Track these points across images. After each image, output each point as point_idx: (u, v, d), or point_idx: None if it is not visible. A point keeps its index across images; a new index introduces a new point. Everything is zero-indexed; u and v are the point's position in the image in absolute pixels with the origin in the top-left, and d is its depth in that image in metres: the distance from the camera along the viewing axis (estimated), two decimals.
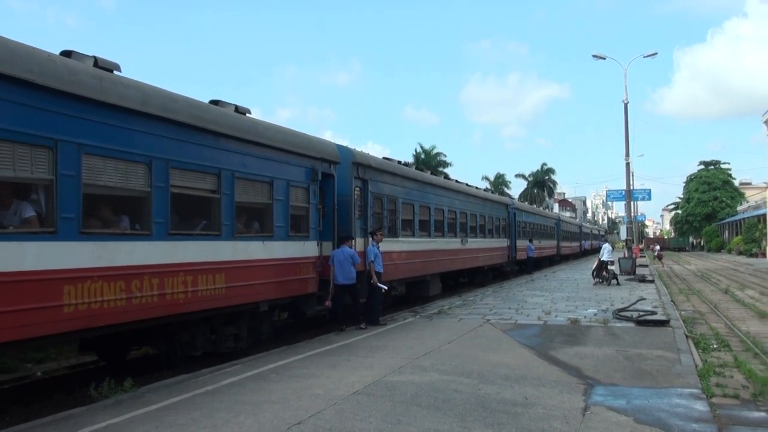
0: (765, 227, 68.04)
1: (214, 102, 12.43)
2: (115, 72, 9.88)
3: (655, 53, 43.34)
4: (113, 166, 9.53)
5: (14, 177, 8.21)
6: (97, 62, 9.60)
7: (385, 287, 16.62)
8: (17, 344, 8.55)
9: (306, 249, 14.54)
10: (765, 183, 79.82)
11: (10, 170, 8.07)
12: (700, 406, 8.29)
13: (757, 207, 79.02)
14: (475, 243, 29.36)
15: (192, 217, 11.53)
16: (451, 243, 25.89)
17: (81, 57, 9.48)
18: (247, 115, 13.06)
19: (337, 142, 16.94)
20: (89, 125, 9.05)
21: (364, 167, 17.51)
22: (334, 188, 15.76)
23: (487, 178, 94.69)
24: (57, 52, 9.25)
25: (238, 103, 12.91)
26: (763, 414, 8.23)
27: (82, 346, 12.07)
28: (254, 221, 13.10)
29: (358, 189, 17.11)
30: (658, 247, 72.65)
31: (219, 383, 9.51)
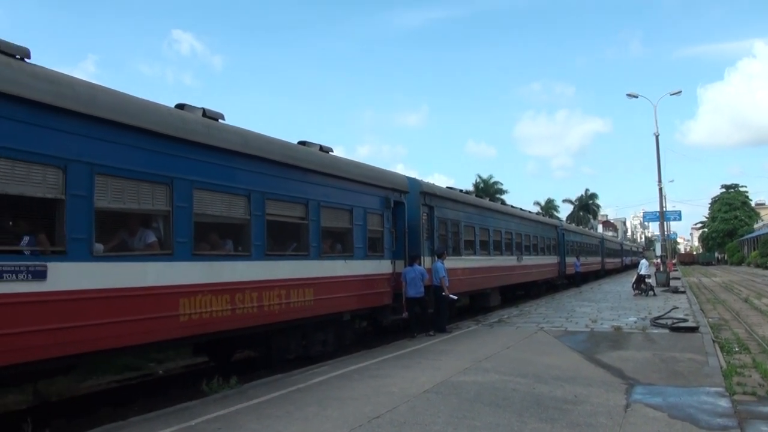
0: None
1: (302, 143, 12.49)
2: (220, 120, 10.02)
3: (680, 91, 41.98)
4: (219, 199, 9.67)
5: (139, 209, 8.43)
6: (205, 112, 9.78)
7: (455, 297, 16.45)
8: (143, 347, 8.72)
9: (381, 267, 14.43)
10: None
11: (135, 203, 8.31)
12: (724, 403, 8.06)
13: None
14: (529, 260, 28.69)
15: (285, 240, 11.56)
16: (508, 260, 25.36)
17: (192, 108, 9.68)
18: (330, 153, 13.06)
19: (407, 174, 16.88)
20: (199, 165, 9.20)
21: (430, 195, 17.33)
22: (405, 214, 15.61)
23: (538, 203, 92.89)
24: (173, 104, 9.50)
25: (323, 143, 12.95)
26: None
27: (195, 349, 12.26)
28: (337, 243, 13.07)
29: (425, 214, 16.93)
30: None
31: (309, 382, 9.49)
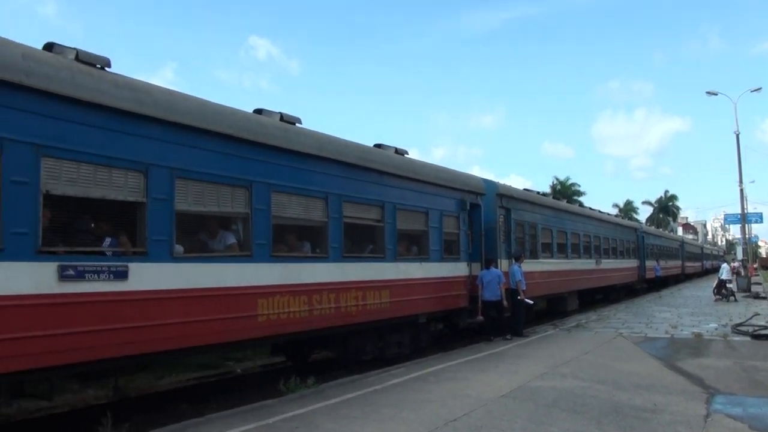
0: None
1: (378, 145, 12.33)
2: (297, 124, 9.95)
3: (760, 88, 38.97)
4: (296, 201, 9.58)
5: (219, 211, 8.41)
6: (282, 117, 9.73)
7: (531, 302, 15.87)
8: (221, 346, 8.70)
9: (457, 269, 14.05)
10: None
11: (215, 206, 8.29)
12: None
13: None
14: (607, 263, 27.40)
15: (361, 242, 11.43)
16: (586, 263, 24.26)
17: (270, 113, 9.64)
18: (405, 155, 12.84)
19: (483, 176, 16.49)
20: (277, 168, 9.13)
21: (507, 197, 16.81)
22: (481, 216, 15.16)
23: (617, 205, 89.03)
24: (251, 109, 9.48)
25: (398, 146, 12.74)
26: None
27: (273, 349, 12.20)
28: (413, 245, 12.86)
29: (502, 217, 16.44)
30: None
31: (385, 383, 9.30)
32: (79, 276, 6.43)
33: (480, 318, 14.49)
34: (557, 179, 75.00)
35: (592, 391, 8.64)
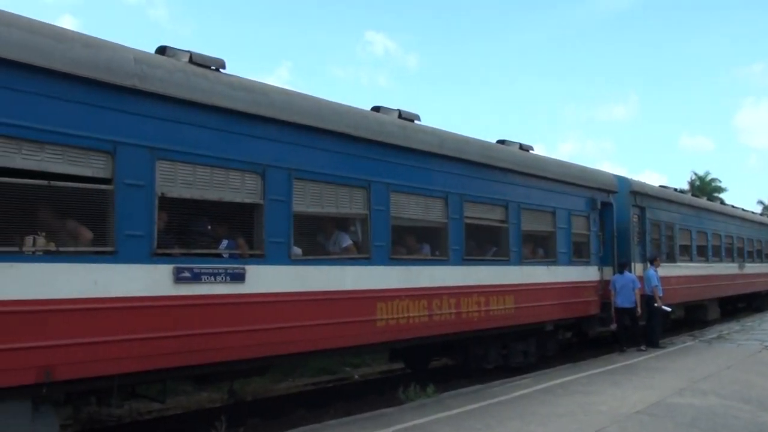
0: None
1: (501, 141, 11.66)
2: (416, 121, 9.56)
3: None
4: (415, 201, 9.18)
5: (337, 213, 8.17)
6: (401, 114, 9.37)
7: (669, 308, 14.47)
8: (339, 351, 8.50)
9: (587, 273, 13.03)
10: None
11: (333, 207, 8.04)
12: None
13: None
14: (752, 268, 24.40)
15: (483, 244, 10.87)
16: (729, 268, 21.67)
17: (388, 110, 9.32)
18: (531, 151, 12.08)
19: (614, 173, 15.17)
20: (395, 167, 8.80)
21: (641, 195, 15.31)
22: (613, 216, 14.00)
23: (761, 202, 80.00)
24: (369, 107, 9.23)
25: (522, 142, 12.00)
26: None
27: (391, 355, 11.91)
28: (539, 248, 12.11)
29: (636, 216, 15.01)
30: None
31: (510, 395, 8.78)
32: (195, 278, 6.28)
33: (613, 326, 13.43)
34: (696, 174, 68.30)
35: (734, 411, 7.91)
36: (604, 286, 13.36)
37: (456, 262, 9.62)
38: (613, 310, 13.21)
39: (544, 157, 12.74)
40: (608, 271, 13.61)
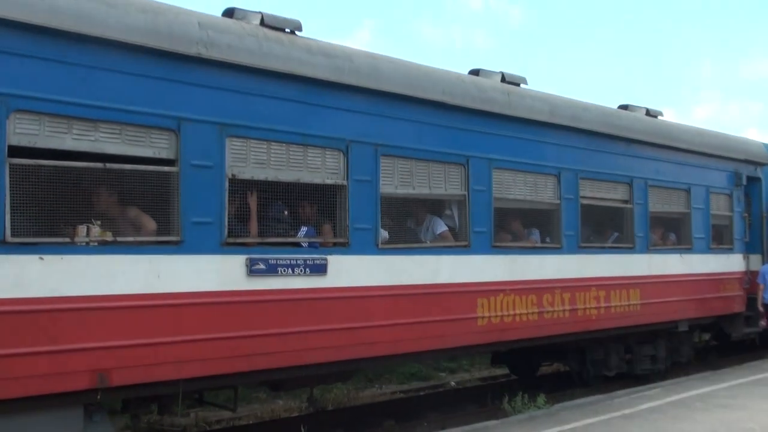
0: None
1: (623, 107, 11.20)
2: (522, 85, 9.25)
3: None
4: (522, 180, 8.93)
5: (430, 194, 7.97)
6: (504, 77, 9.08)
7: None
8: (433, 354, 8.46)
9: (730, 263, 12.49)
10: None
11: (425, 187, 7.83)
12: None
13: None
14: None
15: (603, 229, 10.59)
16: None
17: (488, 74, 9.05)
18: (659, 117, 11.60)
19: (764, 141, 14.28)
20: (498, 140, 8.55)
21: None
22: (762, 193, 13.34)
23: None
24: (466, 71, 9.01)
25: (648, 106, 11.49)
26: None
27: (493, 359, 11.81)
28: (670, 232, 11.69)
29: None
30: None
31: (636, 407, 8.44)
32: (271, 270, 6.20)
33: (762, 325, 12.65)
34: None
35: None
36: (751, 279, 12.76)
37: (570, 250, 9.41)
38: (760, 306, 12.42)
39: (677, 124, 12.33)
40: (756, 260, 13.03)
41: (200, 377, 5.84)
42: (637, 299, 10.30)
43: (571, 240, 9.39)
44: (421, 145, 7.63)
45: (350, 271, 6.82)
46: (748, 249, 12.87)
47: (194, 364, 5.72)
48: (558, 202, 9.26)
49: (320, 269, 6.54)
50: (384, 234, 7.29)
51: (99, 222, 5.14)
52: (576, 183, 9.50)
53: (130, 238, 5.44)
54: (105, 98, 5.30)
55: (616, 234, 10.56)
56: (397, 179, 7.41)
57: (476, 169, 8.15)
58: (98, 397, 5.26)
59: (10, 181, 4.82)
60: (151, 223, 5.57)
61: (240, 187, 6.16)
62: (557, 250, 9.28)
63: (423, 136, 7.68)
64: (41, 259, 4.92)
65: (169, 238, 5.61)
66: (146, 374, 5.46)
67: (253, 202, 6.28)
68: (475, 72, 8.98)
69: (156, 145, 5.58)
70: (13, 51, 4.90)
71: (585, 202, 9.68)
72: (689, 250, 11.51)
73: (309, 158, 6.60)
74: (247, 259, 6.02)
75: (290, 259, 6.34)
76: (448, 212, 8.32)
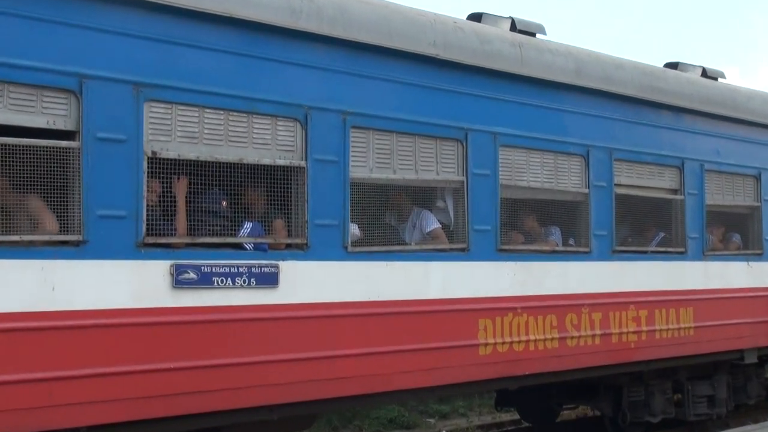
0: None
1: (672, 66, 11.58)
2: (538, 35, 9.59)
3: None
4: (538, 161, 9.14)
5: (416, 179, 8.11)
6: (514, 24, 9.39)
7: None
8: (418, 393, 8.59)
9: None
10: None
11: (411, 171, 7.97)
12: None
13: None
14: None
15: (644, 228, 10.81)
16: None
17: (494, 19, 9.42)
18: (720, 80, 11.91)
19: None
20: (506, 108, 8.82)
21: None
22: None
23: None
24: (464, 16, 9.28)
25: (705, 65, 11.84)
26: None
27: (498, 399, 11.93)
28: (733, 233, 12.01)
29: None
30: None
31: None
32: (204, 281, 6.32)
33: None
34: None
35: None
36: None
37: (602, 255, 9.60)
38: None
39: (742, 88, 12.52)
40: None
41: (104, 425, 5.82)
42: (690, 321, 10.49)
43: (602, 242, 9.58)
44: (404, 115, 7.78)
45: (310, 282, 6.97)
46: None
47: (98, 408, 5.71)
48: (586, 191, 9.48)
49: (270, 280, 6.68)
50: (354, 231, 7.40)
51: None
52: (609, 166, 9.72)
53: (16, 238, 5.43)
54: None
55: (661, 234, 10.76)
56: (373, 159, 7.59)
57: (477, 147, 8.33)
58: None
59: None
60: (52, 222, 5.59)
61: (163, 169, 6.18)
62: (585, 255, 9.48)
63: (407, 103, 7.86)
64: None
65: (68, 238, 5.64)
66: (29, 423, 5.42)
67: (180, 189, 6.34)
68: (476, 17, 9.23)
69: (50, 112, 5.61)
70: None
71: (621, 191, 9.89)
72: (759, 257, 11.78)
73: (255, 130, 6.73)
74: (171, 265, 6.10)
75: (229, 266, 6.45)
76: (440, 204, 8.50)
